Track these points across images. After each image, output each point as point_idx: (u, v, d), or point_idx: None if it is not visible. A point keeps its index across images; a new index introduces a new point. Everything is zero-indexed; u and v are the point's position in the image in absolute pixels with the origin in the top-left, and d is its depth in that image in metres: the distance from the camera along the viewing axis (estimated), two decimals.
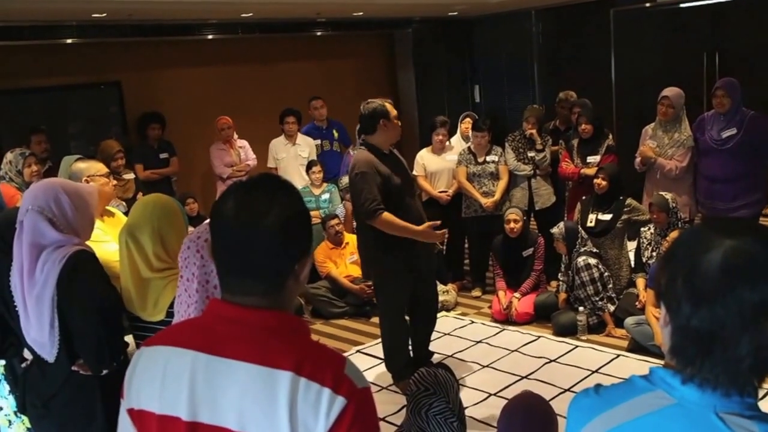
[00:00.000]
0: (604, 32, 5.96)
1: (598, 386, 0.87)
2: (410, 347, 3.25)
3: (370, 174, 2.80)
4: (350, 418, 0.84)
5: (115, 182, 2.70)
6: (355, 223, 3.37)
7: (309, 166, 4.83)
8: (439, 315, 3.49)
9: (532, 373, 3.28)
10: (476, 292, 4.53)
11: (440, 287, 4.27)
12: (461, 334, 3.88)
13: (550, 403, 1.85)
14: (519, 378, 3.23)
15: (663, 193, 3.68)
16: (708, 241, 0.77)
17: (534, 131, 4.40)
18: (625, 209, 3.89)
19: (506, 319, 3.98)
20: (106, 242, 2.07)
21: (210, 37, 5.57)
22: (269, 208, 0.90)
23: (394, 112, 2.91)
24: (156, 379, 0.92)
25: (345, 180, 4.40)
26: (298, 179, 5.04)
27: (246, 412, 0.86)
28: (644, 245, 3.78)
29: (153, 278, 1.65)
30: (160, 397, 0.91)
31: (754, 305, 0.74)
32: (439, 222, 2.94)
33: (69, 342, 1.68)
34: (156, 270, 1.65)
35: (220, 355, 0.88)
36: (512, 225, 3.99)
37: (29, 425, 1.95)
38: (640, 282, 3.72)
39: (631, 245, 4.03)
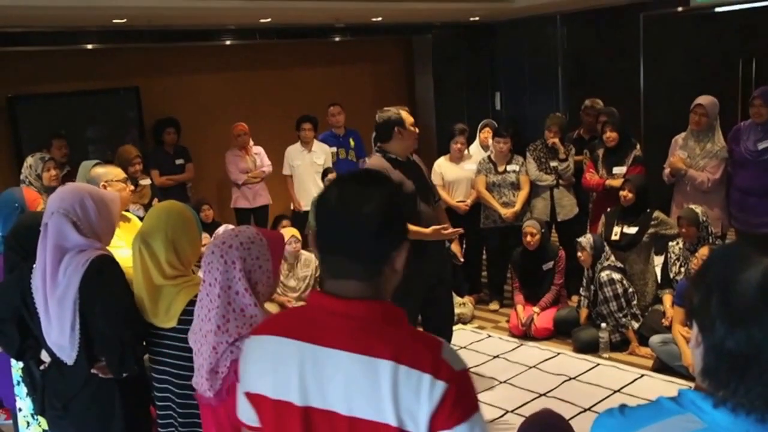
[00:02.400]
0: (634, 38, 5.79)
1: (623, 406, 0.83)
2: None
3: None
4: (452, 401, 0.88)
5: (132, 188, 2.71)
6: None
7: (325, 174, 4.79)
8: (455, 328, 3.42)
9: (551, 390, 3.19)
10: (494, 306, 4.43)
11: (457, 299, 4.17)
12: (478, 348, 3.79)
13: (570, 422, 1.80)
14: (537, 395, 3.14)
15: (693, 207, 3.52)
16: (746, 258, 0.73)
17: (556, 140, 4.27)
18: (652, 223, 3.74)
19: (524, 334, 3.86)
20: (120, 248, 2.09)
21: (228, 42, 5.59)
22: (372, 195, 0.96)
23: (410, 119, 2.87)
24: (267, 366, 0.98)
25: None
26: (314, 187, 4.99)
27: (353, 397, 0.92)
28: (672, 260, 3.63)
29: (165, 285, 1.64)
30: (273, 383, 0.97)
31: None
32: (445, 225, 2.90)
33: (89, 344, 1.70)
34: (168, 277, 1.64)
35: (323, 345, 0.94)
36: (529, 238, 3.88)
37: (46, 427, 1.98)
38: (667, 298, 3.58)
39: (658, 260, 3.88)
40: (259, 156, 5.17)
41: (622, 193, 3.76)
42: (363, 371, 0.91)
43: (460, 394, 0.90)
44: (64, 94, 5.02)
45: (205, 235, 3.78)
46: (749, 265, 0.72)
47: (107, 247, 1.83)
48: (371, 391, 0.90)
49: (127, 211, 2.57)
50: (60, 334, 1.69)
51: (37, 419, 2.13)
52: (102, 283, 1.68)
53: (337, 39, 6.15)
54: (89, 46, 4.96)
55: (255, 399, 1.01)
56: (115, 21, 4.62)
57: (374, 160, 2.94)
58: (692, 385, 0.78)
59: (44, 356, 1.84)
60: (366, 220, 0.95)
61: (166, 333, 1.64)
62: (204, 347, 1.34)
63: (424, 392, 0.88)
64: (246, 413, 1.04)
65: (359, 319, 0.94)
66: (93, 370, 1.73)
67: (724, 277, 0.74)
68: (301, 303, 4.14)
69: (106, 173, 2.41)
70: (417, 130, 2.91)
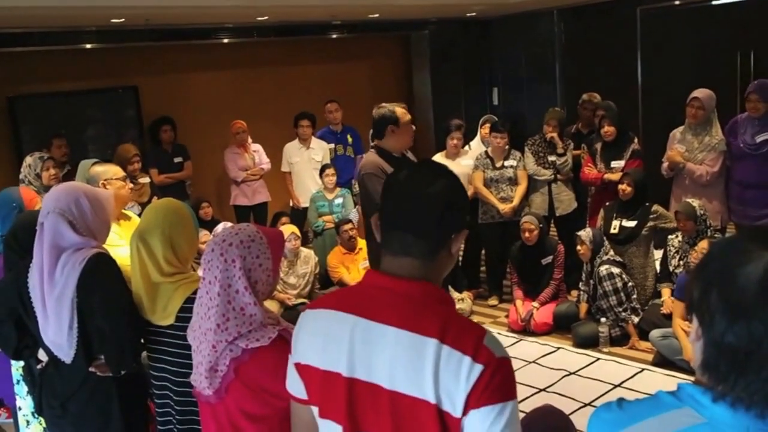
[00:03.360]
0: (631, 31, 5.78)
1: (621, 400, 0.82)
2: None
3: (376, 176, 2.81)
4: (485, 383, 0.91)
5: (131, 186, 2.71)
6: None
7: (322, 170, 4.79)
8: None
9: (551, 385, 3.19)
10: (493, 301, 4.43)
11: (455, 295, 4.18)
12: None
13: (570, 417, 1.81)
14: (537, 390, 3.14)
15: (690, 200, 3.52)
16: (747, 252, 0.72)
17: (555, 135, 4.27)
18: (651, 216, 3.74)
19: (524, 329, 3.87)
20: (119, 246, 2.08)
21: (225, 41, 5.59)
22: (437, 179, 1.02)
23: (405, 117, 2.85)
24: (319, 337, 1.02)
25: None
26: (312, 183, 5.00)
27: (396, 372, 0.94)
28: (671, 253, 3.63)
29: (163, 283, 1.64)
30: (322, 354, 1.01)
31: None
32: None
33: (86, 343, 1.71)
34: (166, 274, 1.64)
35: (375, 320, 0.97)
36: (527, 234, 3.88)
37: (46, 425, 1.97)
38: (665, 291, 3.59)
39: (657, 254, 3.88)
40: (258, 153, 5.17)
41: (621, 186, 3.76)
42: (409, 348, 0.94)
43: (495, 379, 0.91)
44: (63, 93, 5.03)
45: (205, 233, 3.80)
46: (750, 259, 0.71)
47: (104, 245, 1.83)
48: (414, 367, 0.93)
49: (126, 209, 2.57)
50: (57, 332, 1.69)
51: (37, 418, 2.13)
52: (99, 281, 1.68)
53: (334, 36, 6.14)
54: (88, 46, 4.96)
55: (304, 370, 1.05)
56: (113, 21, 4.62)
57: (369, 156, 2.96)
58: (693, 379, 0.79)
59: (41, 355, 1.84)
60: (433, 197, 1.00)
61: (164, 330, 1.63)
62: (203, 345, 1.34)
63: (463, 373, 0.91)
64: (294, 385, 1.08)
65: (411, 297, 0.98)
66: (91, 369, 1.73)
67: (724, 271, 0.73)
68: (302, 300, 4.16)
69: (105, 171, 2.42)
70: (413, 128, 2.90)
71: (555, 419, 1.76)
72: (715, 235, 3.47)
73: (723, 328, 0.72)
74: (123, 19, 4.59)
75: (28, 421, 2.22)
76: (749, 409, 0.71)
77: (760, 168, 3.55)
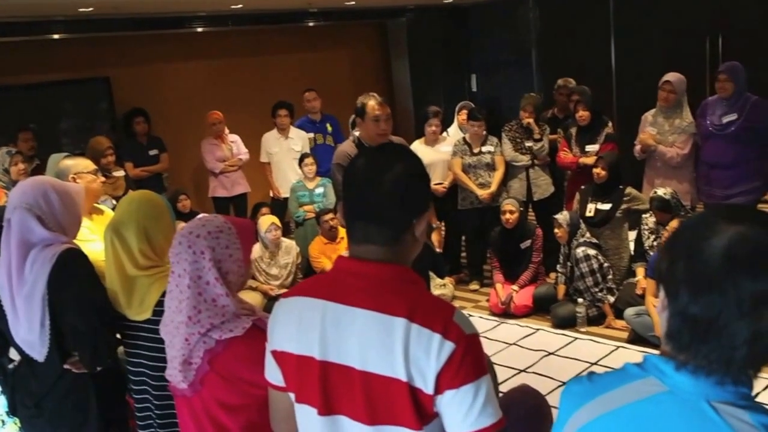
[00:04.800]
0: (604, 17, 5.84)
1: (591, 374, 0.85)
2: None
3: (343, 167, 2.82)
4: (458, 361, 0.92)
5: (103, 179, 2.66)
6: None
7: (302, 159, 4.76)
8: None
9: (531, 366, 3.25)
10: (474, 285, 4.48)
11: (437, 281, 4.22)
12: None
13: (549, 395, 1.86)
14: (517, 371, 3.20)
15: (661, 192, 3.56)
16: (712, 226, 0.74)
17: (531, 120, 4.31)
18: (625, 198, 3.82)
19: (504, 312, 3.93)
20: (92, 241, 2.04)
21: (200, 30, 5.48)
22: (395, 164, 1.01)
23: (372, 112, 2.72)
24: (293, 324, 1.04)
25: None
26: (292, 173, 4.97)
27: (367, 353, 0.96)
28: (645, 234, 3.71)
29: (139, 276, 1.61)
30: (297, 340, 1.03)
31: (753, 295, 0.71)
32: None
33: (59, 340, 1.67)
34: (142, 268, 1.61)
35: (344, 303, 0.99)
36: (508, 216, 3.92)
37: (20, 425, 1.93)
38: (640, 271, 3.67)
39: (632, 235, 3.96)
40: (236, 144, 5.11)
41: (595, 170, 3.82)
42: (378, 328, 0.95)
43: (467, 356, 0.93)
44: (33, 85, 4.89)
45: (182, 224, 3.76)
46: (715, 233, 0.73)
47: (76, 240, 1.78)
48: (385, 347, 0.94)
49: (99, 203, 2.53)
50: (29, 331, 1.65)
51: (12, 418, 2.06)
52: (71, 276, 1.64)
53: (310, 24, 6.08)
54: (56, 36, 4.82)
55: (280, 357, 1.06)
56: (81, 10, 4.49)
57: (342, 146, 2.97)
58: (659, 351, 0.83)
59: (13, 354, 1.79)
60: (389, 187, 0.99)
61: (141, 325, 1.61)
62: (176, 339, 1.33)
63: (433, 351, 0.92)
64: (272, 372, 1.09)
65: (378, 279, 0.99)
66: (66, 366, 1.68)
67: (691, 244, 0.75)
68: (284, 290, 4.16)
69: (75, 165, 2.34)
70: (383, 126, 2.71)
71: (531, 398, 1.80)
72: (687, 215, 3.56)
73: (687, 299, 0.74)
74: (91, 8, 4.48)
75: (3, 421, 2.16)
76: (709, 376, 0.74)
77: (725, 148, 3.62)
